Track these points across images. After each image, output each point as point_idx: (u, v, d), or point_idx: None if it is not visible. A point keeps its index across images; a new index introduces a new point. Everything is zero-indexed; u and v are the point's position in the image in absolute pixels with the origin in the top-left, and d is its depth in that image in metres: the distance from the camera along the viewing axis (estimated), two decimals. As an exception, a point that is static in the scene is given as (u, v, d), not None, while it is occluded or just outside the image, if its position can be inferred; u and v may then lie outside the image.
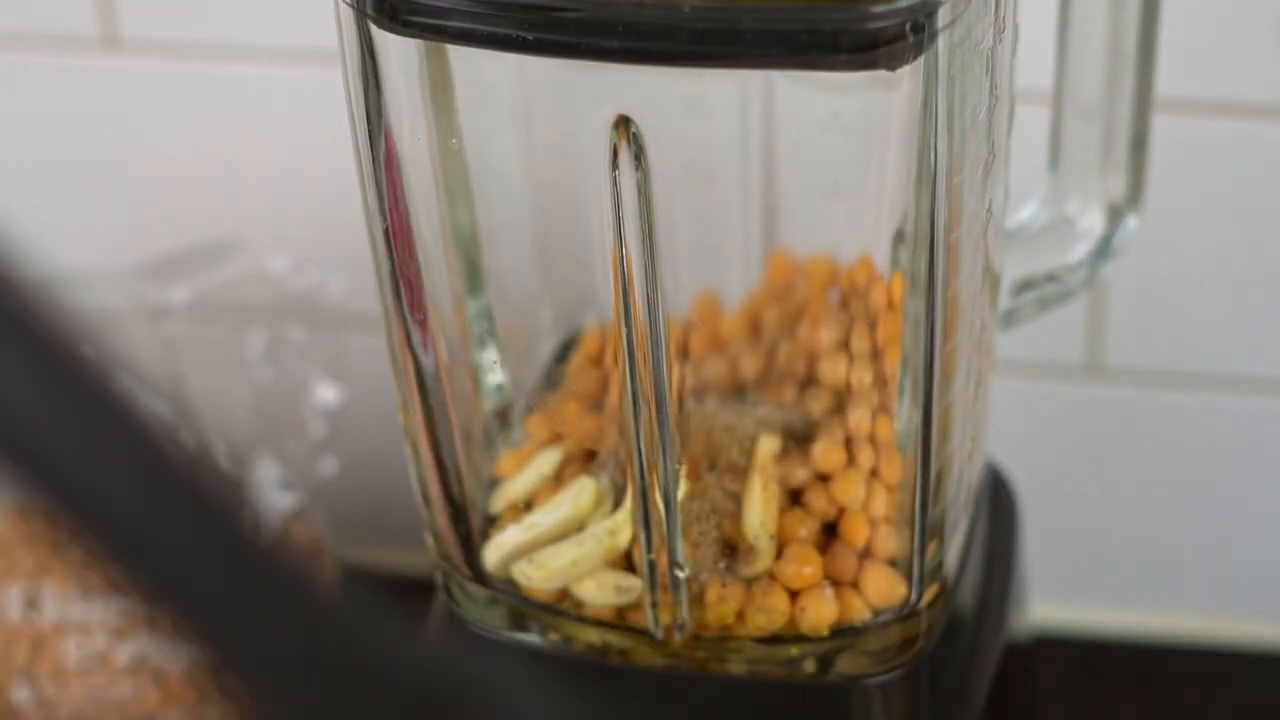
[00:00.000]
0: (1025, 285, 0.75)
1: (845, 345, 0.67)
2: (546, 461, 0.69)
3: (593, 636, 0.69)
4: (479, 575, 0.70)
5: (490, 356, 0.71)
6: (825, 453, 0.67)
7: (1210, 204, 0.89)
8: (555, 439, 0.70)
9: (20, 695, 0.87)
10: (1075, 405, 0.94)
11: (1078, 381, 0.94)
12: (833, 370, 0.69)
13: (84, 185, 0.96)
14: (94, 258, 0.95)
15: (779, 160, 0.69)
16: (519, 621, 0.70)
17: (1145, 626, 0.98)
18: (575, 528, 0.68)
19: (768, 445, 0.67)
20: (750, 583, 0.67)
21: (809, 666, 0.68)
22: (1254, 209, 0.89)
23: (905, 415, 0.66)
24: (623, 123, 0.61)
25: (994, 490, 0.80)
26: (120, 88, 0.94)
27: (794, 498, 0.67)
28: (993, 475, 0.80)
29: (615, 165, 0.61)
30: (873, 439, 0.66)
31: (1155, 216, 0.81)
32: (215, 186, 0.95)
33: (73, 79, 0.94)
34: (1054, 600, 0.97)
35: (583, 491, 0.68)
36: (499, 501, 0.70)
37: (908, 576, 0.67)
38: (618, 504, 0.68)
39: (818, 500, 0.67)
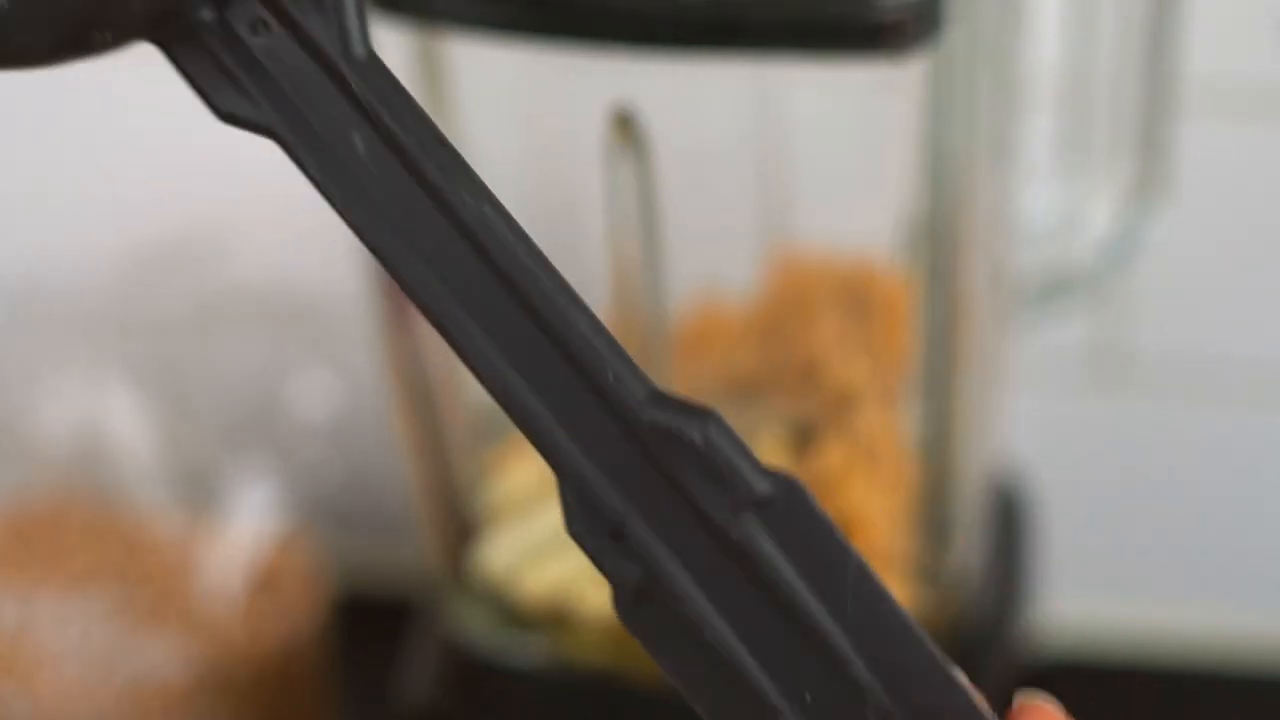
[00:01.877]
0: (1033, 282, 0.75)
1: (851, 344, 0.67)
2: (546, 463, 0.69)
3: (591, 645, 0.69)
4: (476, 582, 0.70)
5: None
6: (830, 454, 0.67)
7: (1225, 201, 0.88)
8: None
9: (14, 705, 0.87)
10: (1083, 404, 0.94)
11: (1086, 380, 0.94)
12: (838, 370, 0.68)
13: (82, 185, 0.96)
14: (90, 258, 0.95)
15: (784, 155, 0.69)
16: (516, 629, 0.70)
17: (1145, 626, 0.98)
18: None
19: (771, 446, 0.67)
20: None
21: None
22: (1265, 206, 0.89)
23: (912, 416, 0.66)
24: (622, 119, 0.61)
25: (1001, 492, 0.80)
26: (118, 87, 0.93)
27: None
28: (1000, 477, 0.80)
29: (615, 160, 0.61)
30: (879, 439, 0.66)
31: (1167, 213, 0.80)
32: (213, 186, 0.95)
33: (71, 79, 0.93)
34: (1056, 600, 0.97)
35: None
36: (497, 504, 0.70)
37: (915, 579, 0.67)
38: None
39: (822, 502, 0.67)
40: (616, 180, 0.62)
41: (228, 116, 0.39)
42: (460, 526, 0.70)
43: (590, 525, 0.37)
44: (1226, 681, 0.96)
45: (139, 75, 0.93)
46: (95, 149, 0.96)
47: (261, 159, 0.97)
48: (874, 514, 0.67)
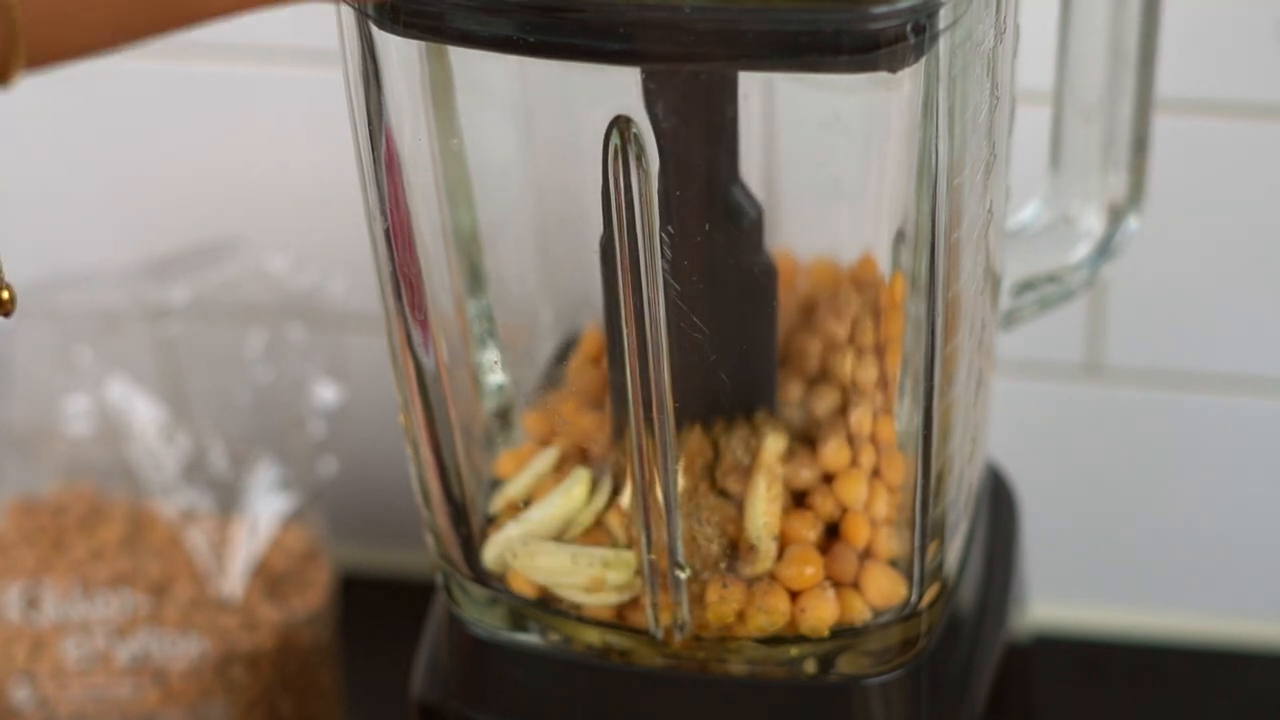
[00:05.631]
0: (1026, 285, 0.76)
1: (846, 346, 0.67)
2: (545, 461, 0.70)
3: (593, 637, 0.69)
4: (479, 575, 0.70)
5: (490, 356, 0.71)
6: (831, 453, 0.67)
7: (1210, 204, 0.89)
8: (555, 439, 0.70)
9: (20, 695, 0.87)
10: (1075, 405, 0.94)
11: (1078, 381, 0.94)
12: (834, 371, 0.69)
13: (84, 185, 0.96)
14: (94, 258, 0.95)
15: (779, 160, 0.70)
16: (519, 621, 0.70)
17: (1145, 626, 0.98)
18: (569, 520, 0.68)
19: (774, 445, 0.67)
20: (751, 583, 0.67)
21: (809, 667, 0.68)
22: (1253, 209, 0.89)
23: (906, 415, 0.66)
24: (623, 123, 0.61)
25: (994, 490, 0.80)
26: (120, 87, 0.94)
27: (796, 498, 0.67)
28: (993, 475, 0.80)
29: (616, 165, 0.61)
30: (874, 439, 0.66)
31: (1155, 216, 0.81)
32: (215, 186, 0.95)
33: (73, 79, 0.94)
34: (1054, 600, 0.97)
35: (576, 483, 0.68)
36: (499, 501, 0.70)
37: (908, 577, 0.68)
38: (614, 501, 0.68)
39: (819, 501, 0.67)
40: (617, 184, 0.62)
41: None
42: (463, 525, 0.70)
43: None
44: (1220, 675, 0.96)
45: (141, 76, 0.94)
46: (99, 150, 0.96)
47: (264, 161, 0.98)
48: (870, 514, 0.67)
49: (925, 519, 0.67)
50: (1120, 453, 0.95)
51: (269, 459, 0.91)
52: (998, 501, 0.80)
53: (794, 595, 0.67)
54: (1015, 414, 0.92)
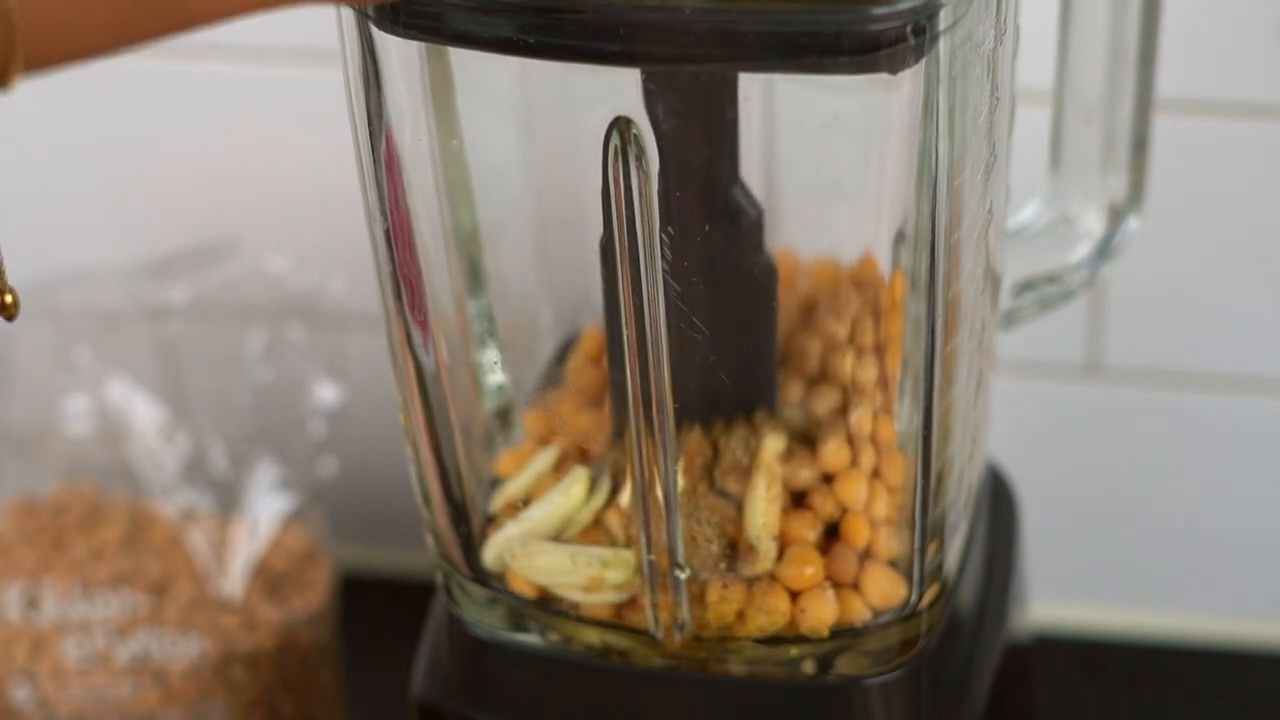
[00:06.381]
0: (1026, 286, 0.76)
1: (846, 346, 0.67)
2: (545, 461, 0.70)
3: (592, 637, 0.69)
4: (479, 575, 0.70)
5: (491, 357, 0.71)
6: (831, 453, 0.67)
7: (1210, 204, 0.89)
8: (555, 438, 0.70)
9: (20, 695, 0.87)
10: (1075, 405, 0.94)
11: (1078, 381, 0.94)
12: (834, 371, 0.69)
13: (83, 184, 0.96)
14: (93, 257, 0.95)
15: (779, 160, 0.70)
16: (519, 621, 0.70)
17: (1145, 626, 0.98)
18: (568, 519, 0.68)
19: (773, 445, 0.67)
20: (751, 583, 0.67)
21: (809, 667, 0.68)
22: (1253, 209, 0.89)
23: (906, 416, 0.66)
24: (623, 123, 0.61)
25: (994, 490, 0.80)
26: (120, 87, 0.94)
27: (796, 498, 0.67)
28: (993, 475, 0.80)
29: (616, 166, 0.61)
30: (874, 440, 0.67)
31: (1155, 216, 0.81)
32: (214, 186, 0.95)
33: (72, 79, 0.94)
34: (1054, 600, 0.97)
35: (575, 481, 0.68)
36: (498, 501, 0.70)
37: (908, 577, 0.68)
38: (613, 500, 0.68)
39: (819, 501, 0.67)
40: (617, 184, 0.62)
41: None
42: (463, 525, 0.70)
43: None
44: (1220, 674, 0.96)
45: (141, 76, 0.94)
46: (99, 150, 0.96)
47: (264, 161, 0.98)
48: (870, 514, 0.67)
49: (925, 519, 0.67)
50: (1120, 453, 0.95)
51: (269, 459, 0.91)
52: (998, 501, 0.80)
53: (794, 595, 0.67)
54: (1015, 414, 0.92)
